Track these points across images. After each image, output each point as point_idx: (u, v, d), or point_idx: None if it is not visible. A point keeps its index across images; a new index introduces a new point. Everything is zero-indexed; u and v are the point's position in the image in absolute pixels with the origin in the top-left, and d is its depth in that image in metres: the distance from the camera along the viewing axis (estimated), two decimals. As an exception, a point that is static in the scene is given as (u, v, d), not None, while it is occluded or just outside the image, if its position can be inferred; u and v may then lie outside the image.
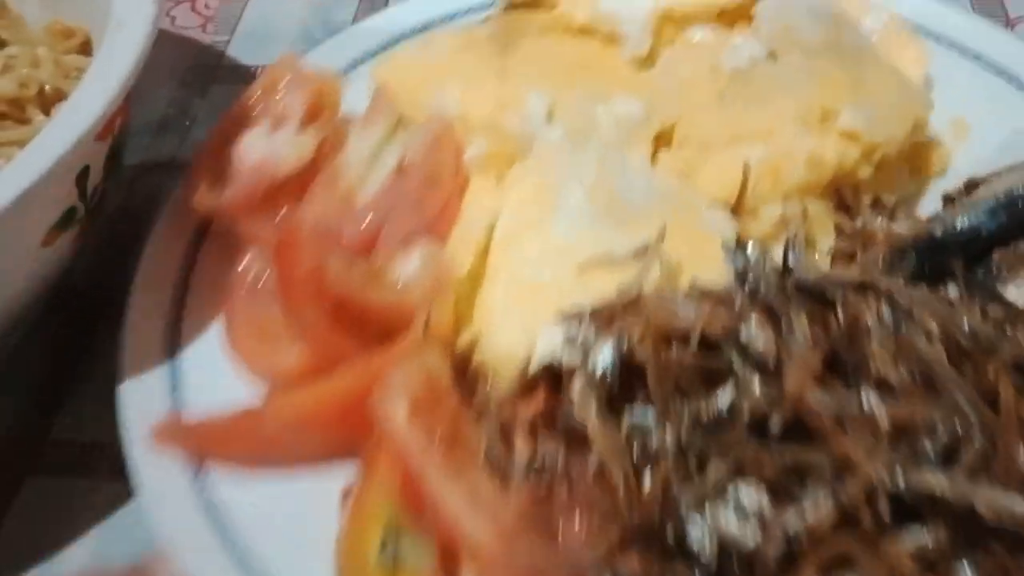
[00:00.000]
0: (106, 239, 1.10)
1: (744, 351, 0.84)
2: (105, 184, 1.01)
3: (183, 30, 1.51)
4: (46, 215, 0.93)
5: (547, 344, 0.94)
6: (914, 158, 1.09)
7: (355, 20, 1.51)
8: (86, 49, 1.16)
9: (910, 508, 0.78)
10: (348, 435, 0.91)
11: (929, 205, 1.09)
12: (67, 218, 0.95)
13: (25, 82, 1.06)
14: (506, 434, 0.91)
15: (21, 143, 0.99)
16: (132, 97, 0.98)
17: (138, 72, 0.94)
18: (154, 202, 1.12)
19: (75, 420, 1.03)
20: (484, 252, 1.03)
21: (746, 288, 0.90)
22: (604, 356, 0.85)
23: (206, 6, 1.56)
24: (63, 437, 1.03)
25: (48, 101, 1.08)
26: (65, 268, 1.02)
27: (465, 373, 0.96)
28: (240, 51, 1.48)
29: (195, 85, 1.42)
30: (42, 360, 1.09)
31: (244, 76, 1.43)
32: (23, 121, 1.06)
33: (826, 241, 1.04)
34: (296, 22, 1.52)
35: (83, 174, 0.95)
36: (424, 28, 1.31)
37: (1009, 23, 1.40)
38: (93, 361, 1.07)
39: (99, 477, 0.98)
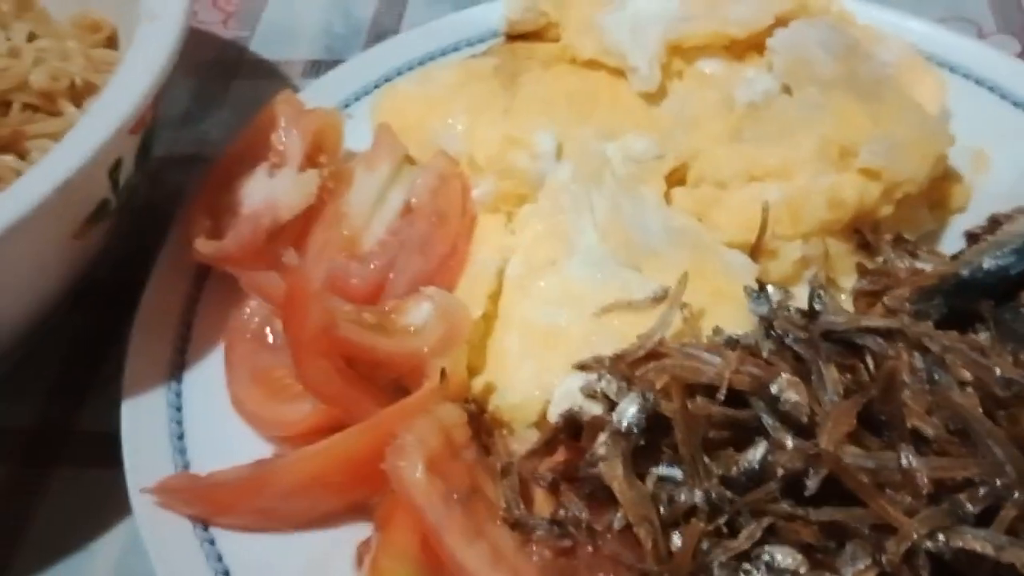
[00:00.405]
0: (129, 233, 1.09)
1: (774, 405, 0.81)
2: (136, 177, 1.01)
3: (205, 25, 1.50)
4: (81, 208, 0.93)
5: (565, 394, 0.91)
6: (934, 193, 1.07)
7: (375, 16, 1.50)
8: (112, 43, 1.16)
9: (951, 568, 0.75)
10: (361, 494, 0.87)
11: (950, 240, 1.06)
12: (100, 211, 0.95)
13: (56, 75, 1.05)
14: (526, 489, 0.88)
15: (54, 135, 0.99)
16: (166, 87, 0.97)
17: (173, 64, 0.94)
18: (176, 197, 1.11)
19: (98, 412, 1.03)
20: (496, 296, 1.00)
21: (772, 336, 0.87)
22: (630, 410, 0.82)
23: (228, 1, 1.54)
24: (87, 429, 1.03)
25: (79, 94, 1.07)
26: (96, 261, 1.02)
27: (480, 425, 0.93)
28: (261, 47, 1.47)
29: (217, 80, 1.42)
30: (66, 354, 1.10)
31: (265, 71, 1.43)
32: (55, 114, 1.05)
33: (848, 281, 1.01)
34: (316, 18, 1.51)
35: (116, 167, 0.95)
36: (424, 60, 1.28)
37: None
38: (114, 356, 1.04)
39: (120, 467, 0.94)
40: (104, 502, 0.96)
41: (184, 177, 1.23)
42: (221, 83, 1.42)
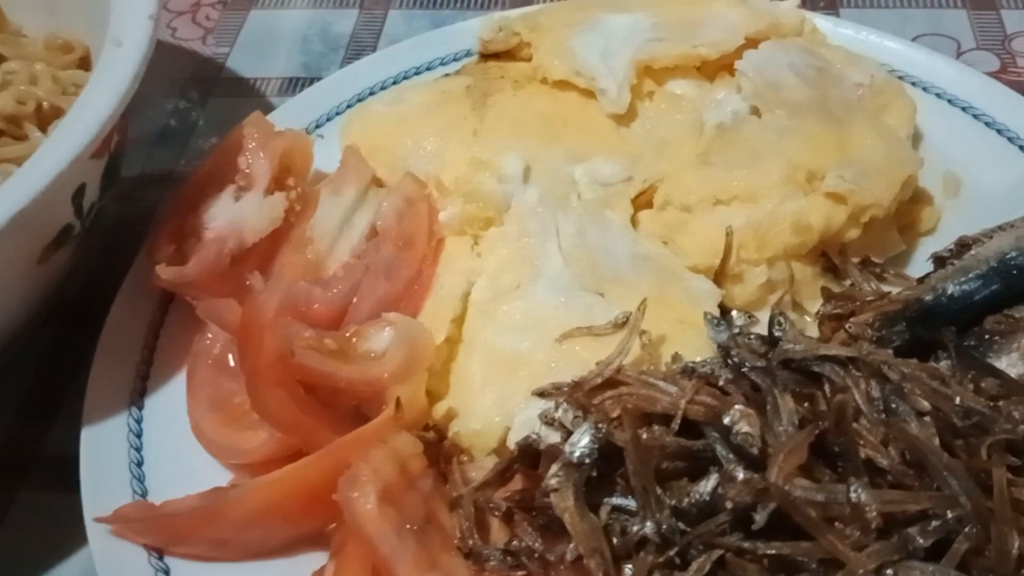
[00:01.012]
0: (100, 252, 1.09)
1: (727, 436, 0.80)
2: (101, 201, 1.00)
3: (183, 42, 1.51)
4: (42, 234, 0.92)
5: (525, 421, 0.91)
6: (903, 216, 1.06)
7: (353, 33, 1.50)
8: (86, 64, 1.16)
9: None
10: (317, 524, 0.87)
11: (919, 263, 1.06)
12: (63, 236, 0.95)
13: (23, 99, 1.06)
14: (483, 518, 0.87)
15: (18, 160, 0.99)
16: (130, 111, 0.97)
17: (134, 91, 0.94)
18: (150, 216, 1.11)
19: (65, 434, 1.01)
20: (461, 320, 0.99)
21: (730, 365, 0.87)
22: (582, 441, 0.82)
23: (207, 18, 1.55)
24: (54, 452, 1.02)
25: (45, 118, 1.07)
26: (61, 285, 1.01)
27: (439, 452, 0.92)
28: (240, 63, 1.47)
29: (195, 97, 1.42)
30: (34, 376, 1.09)
31: (242, 89, 1.43)
32: (20, 138, 1.05)
33: (814, 304, 1.00)
34: (295, 34, 1.51)
35: (79, 192, 0.94)
36: (398, 79, 1.28)
37: (1007, 38, 1.39)
38: (84, 376, 1.02)
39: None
40: (64, 528, 0.96)
41: (159, 195, 1.23)
42: (199, 100, 1.42)
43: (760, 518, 0.75)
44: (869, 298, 0.98)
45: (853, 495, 0.75)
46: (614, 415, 0.84)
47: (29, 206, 0.85)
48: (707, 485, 0.79)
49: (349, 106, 1.24)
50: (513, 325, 0.98)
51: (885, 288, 1.00)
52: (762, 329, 0.94)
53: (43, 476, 1.02)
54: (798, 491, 0.76)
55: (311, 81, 1.35)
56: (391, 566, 0.80)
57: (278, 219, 1.04)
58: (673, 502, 0.80)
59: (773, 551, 0.75)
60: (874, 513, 0.74)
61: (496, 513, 0.86)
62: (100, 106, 0.92)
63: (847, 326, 0.94)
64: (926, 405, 0.83)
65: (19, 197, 0.85)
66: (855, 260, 1.03)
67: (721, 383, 0.86)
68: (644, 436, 0.82)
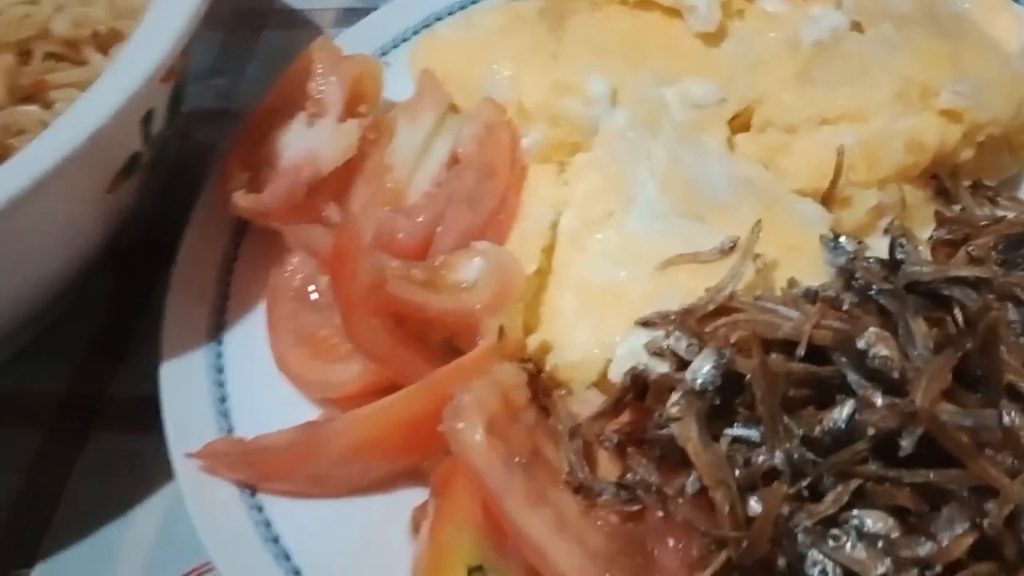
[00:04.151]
0: (158, 192, 1.04)
1: (861, 361, 0.75)
2: (167, 130, 0.96)
3: None
4: (113, 160, 0.88)
5: (628, 352, 0.86)
6: (1016, 136, 1.00)
7: None
8: None
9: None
10: (417, 458, 0.83)
11: (1032, 187, 1.00)
12: (133, 164, 0.91)
13: (79, 22, 0.99)
14: (590, 452, 0.83)
15: (80, 85, 0.93)
16: (191, 42, 0.92)
17: (203, 10, 0.89)
18: (205, 154, 1.06)
19: (134, 376, 1.00)
20: (550, 251, 0.94)
21: (854, 288, 0.81)
22: (704, 368, 0.77)
23: None
24: (123, 393, 1.00)
25: (104, 42, 1.00)
26: (128, 218, 0.97)
27: (538, 385, 0.88)
28: None
29: (245, 32, 1.36)
30: (98, 319, 1.06)
31: (295, 21, 1.37)
32: (79, 63, 0.99)
33: (924, 231, 0.95)
34: None
35: (148, 118, 0.90)
36: (465, 4, 1.21)
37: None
38: (149, 318, 0.99)
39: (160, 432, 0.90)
40: (143, 468, 0.92)
41: (212, 134, 1.17)
42: (249, 35, 1.36)
43: (907, 444, 0.70)
44: (984, 222, 0.93)
45: (1006, 419, 0.70)
46: (733, 341, 0.79)
47: (102, 128, 0.80)
48: (842, 412, 0.74)
49: (415, 33, 1.18)
50: (607, 255, 0.93)
51: (999, 212, 0.95)
52: (875, 255, 0.89)
53: (114, 418, 0.99)
54: (946, 415, 0.71)
55: (367, 12, 1.28)
56: (500, 499, 0.76)
57: (353, 147, 0.99)
58: (802, 431, 0.75)
59: (920, 479, 0.71)
60: (1030, 437, 0.70)
61: (607, 446, 0.82)
62: (169, 25, 0.88)
63: (969, 249, 0.88)
64: (1066, 328, 0.78)
65: (92, 119, 0.80)
66: (967, 183, 0.97)
67: (846, 307, 0.80)
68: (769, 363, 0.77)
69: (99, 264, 1.00)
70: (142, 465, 0.93)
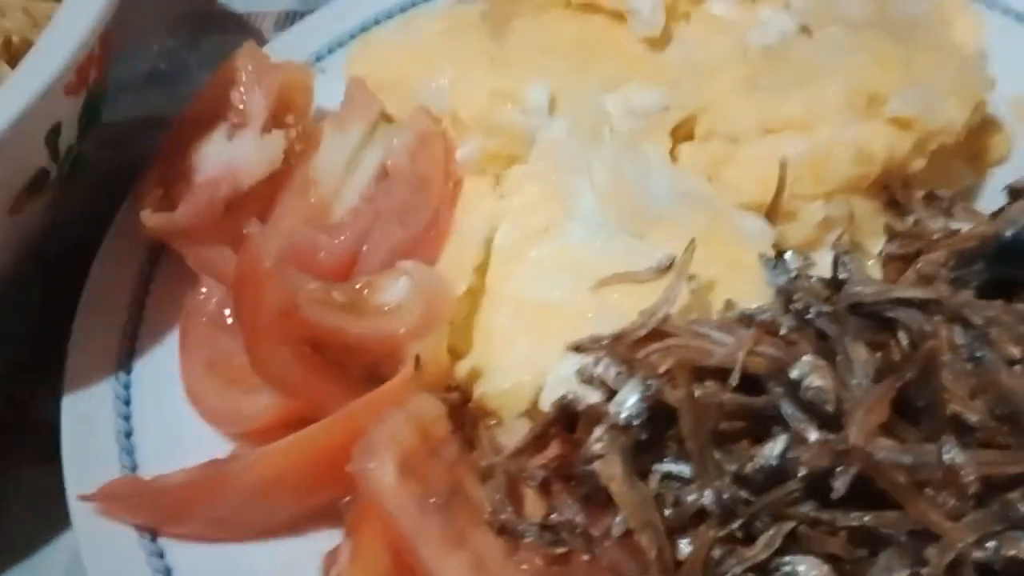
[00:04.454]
0: (87, 205, 0.99)
1: (795, 391, 0.70)
2: (80, 145, 0.91)
3: None
4: (13, 178, 0.83)
5: (560, 379, 0.81)
6: (971, 144, 0.95)
7: None
8: None
9: (1000, 578, 0.65)
10: (329, 497, 0.78)
11: (989, 196, 0.95)
12: (38, 182, 0.85)
13: None
14: (515, 489, 0.78)
15: None
16: (113, 48, 0.89)
17: (108, 17, 0.84)
18: (141, 164, 1.01)
19: (54, 403, 0.90)
20: (483, 269, 0.90)
21: (792, 311, 0.77)
22: (630, 400, 0.72)
23: None
24: (42, 420, 0.92)
25: (16, 53, 0.94)
26: (37, 240, 0.92)
27: (464, 415, 0.83)
28: None
29: (186, 36, 1.31)
30: (19, 341, 1.01)
31: (237, 25, 1.32)
32: None
33: (875, 244, 0.90)
34: None
35: (54, 132, 0.85)
36: (405, 7, 1.16)
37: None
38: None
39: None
40: (53, 506, 0.85)
41: (150, 143, 1.12)
42: (190, 39, 1.31)
43: (840, 484, 0.66)
44: (937, 236, 0.88)
45: (947, 456, 0.66)
46: (663, 370, 0.74)
47: (-2, 142, 0.75)
48: (774, 448, 0.69)
49: (352, 37, 1.13)
50: (543, 272, 0.88)
51: (954, 225, 0.90)
52: (820, 273, 0.84)
53: (31, 447, 0.93)
54: (882, 453, 0.67)
55: (309, 15, 1.24)
56: (414, 544, 0.72)
57: (277, 160, 0.94)
58: (734, 468, 0.70)
59: (855, 522, 0.66)
60: (972, 477, 0.65)
61: (531, 483, 0.77)
62: (71, 34, 0.83)
63: (917, 266, 0.84)
64: (1016, 352, 0.74)
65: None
66: (919, 194, 0.92)
67: (783, 332, 0.76)
68: (698, 393, 0.73)
69: (11, 287, 0.95)
70: (53, 502, 0.86)
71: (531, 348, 0.85)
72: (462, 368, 0.86)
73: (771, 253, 0.85)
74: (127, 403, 0.85)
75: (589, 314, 0.85)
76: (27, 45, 0.97)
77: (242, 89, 0.98)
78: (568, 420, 0.78)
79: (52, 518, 0.87)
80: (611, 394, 0.76)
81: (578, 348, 0.82)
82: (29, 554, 0.87)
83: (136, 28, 0.90)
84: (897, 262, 0.88)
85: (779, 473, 0.69)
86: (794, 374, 0.70)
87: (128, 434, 0.83)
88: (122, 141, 1.15)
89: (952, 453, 0.66)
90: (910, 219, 0.91)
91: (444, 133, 0.98)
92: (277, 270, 0.80)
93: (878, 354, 0.75)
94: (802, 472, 0.67)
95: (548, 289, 0.87)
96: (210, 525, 0.77)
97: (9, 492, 0.91)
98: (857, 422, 0.67)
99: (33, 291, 1.03)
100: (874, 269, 0.89)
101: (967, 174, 0.97)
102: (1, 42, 0.96)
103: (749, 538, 0.69)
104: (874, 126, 0.90)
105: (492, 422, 0.84)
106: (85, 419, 0.83)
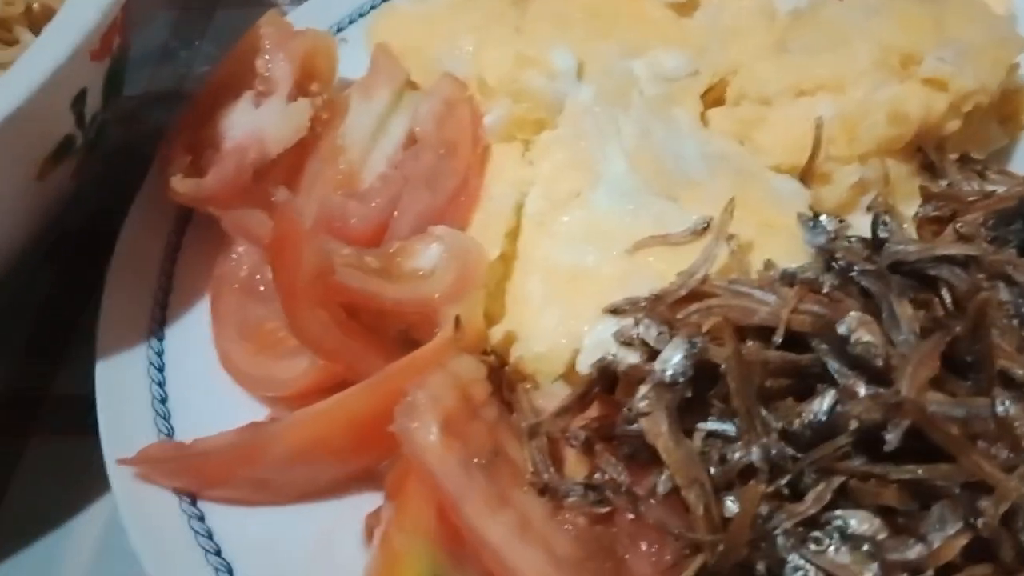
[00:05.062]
0: (105, 178, 0.99)
1: (842, 348, 0.70)
2: (104, 112, 0.90)
3: None
4: (41, 144, 0.83)
5: (597, 342, 0.81)
6: (1005, 106, 0.95)
7: None
8: None
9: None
10: (368, 460, 0.77)
11: (1021, 160, 0.94)
12: (64, 148, 0.85)
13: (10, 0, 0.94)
14: (556, 450, 0.77)
15: (8, 66, 0.87)
16: (131, 20, 0.89)
17: None
18: (156, 138, 1.00)
19: (75, 373, 0.94)
20: (515, 234, 0.89)
21: (835, 269, 0.76)
22: (675, 358, 0.71)
23: None
24: (63, 392, 0.95)
25: (37, 20, 0.95)
26: (62, 207, 0.92)
27: (501, 378, 0.82)
28: None
29: (198, 10, 1.31)
30: (39, 313, 1.01)
31: None
32: (10, 43, 0.93)
33: (909, 207, 0.89)
34: None
35: (80, 98, 0.85)
36: (427, -24, 1.15)
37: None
38: (93, 312, 0.93)
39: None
40: (83, 474, 0.86)
41: (164, 115, 1.12)
42: (203, 13, 1.31)
43: (893, 437, 0.65)
44: (973, 198, 0.87)
45: (1000, 408, 0.65)
46: (706, 329, 0.74)
47: (24, 107, 0.75)
48: (823, 404, 0.68)
49: (373, 7, 1.12)
50: (574, 237, 0.88)
51: (989, 187, 0.89)
52: (857, 234, 0.83)
53: (55, 419, 0.93)
54: (934, 406, 0.66)
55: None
56: (459, 504, 0.71)
57: (303, 127, 0.93)
58: (781, 425, 0.70)
59: (908, 475, 0.65)
60: (1025, 428, 0.64)
61: (574, 444, 0.76)
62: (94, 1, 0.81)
63: (956, 226, 0.83)
64: (1061, 308, 0.73)
65: (12, 98, 0.75)
66: (953, 156, 0.92)
67: (826, 290, 0.75)
68: (743, 351, 0.72)
69: (35, 256, 0.95)
70: (82, 470, 0.87)
71: (565, 312, 0.84)
72: (496, 333, 0.85)
73: (808, 214, 0.84)
74: (161, 369, 0.84)
75: (623, 279, 0.84)
76: (49, 12, 0.97)
77: (267, 56, 0.97)
78: (608, 382, 0.78)
79: (84, 488, 0.87)
80: (651, 355, 0.75)
81: (615, 311, 0.81)
82: (60, 524, 0.86)
83: (150, 1, 0.89)
84: (932, 224, 0.88)
85: (827, 429, 0.68)
86: (841, 330, 0.70)
87: (163, 400, 0.82)
88: (134, 116, 1.16)
89: (1006, 405, 0.65)
90: (944, 182, 0.91)
91: (470, 99, 0.97)
92: (314, 235, 0.79)
93: (922, 312, 0.75)
94: (853, 426, 0.66)
95: (580, 254, 0.86)
96: (250, 488, 0.76)
97: (38, 464, 0.91)
98: (908, 376, 0.66)
99: (50, 264, 1.02)
100: (909, 231, 0.88)
101: (1001, 136, 0.96)
102: (23, 9, 0.95)
103: (795, 495, 0.69)
104: (908, 87, 0.89)
105: (529, 386, 0.83)
106: (119, 386, 0.83)
